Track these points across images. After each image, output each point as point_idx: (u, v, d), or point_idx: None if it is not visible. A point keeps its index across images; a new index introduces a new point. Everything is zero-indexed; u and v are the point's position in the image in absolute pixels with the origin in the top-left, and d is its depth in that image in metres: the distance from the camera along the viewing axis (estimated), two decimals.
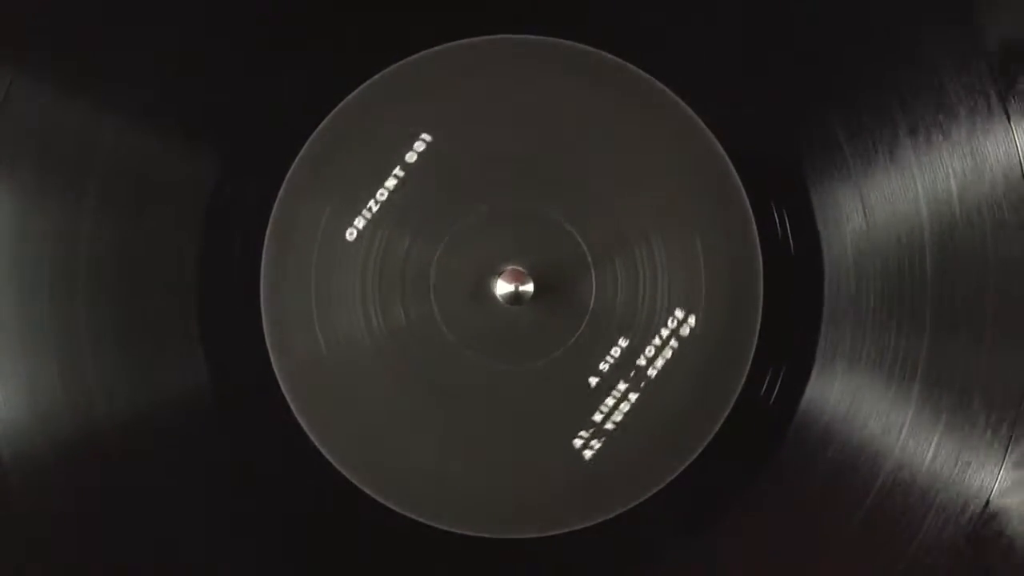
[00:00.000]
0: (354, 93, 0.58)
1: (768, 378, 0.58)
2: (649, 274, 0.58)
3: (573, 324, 0.58)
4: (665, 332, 0.58)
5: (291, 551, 0.59)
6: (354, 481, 0.58)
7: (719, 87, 0.59)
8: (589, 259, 0.58)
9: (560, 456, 0.58)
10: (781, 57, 0.59)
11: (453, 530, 0.58)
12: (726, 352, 0.58)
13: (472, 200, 0.58)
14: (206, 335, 0.57)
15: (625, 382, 0.58)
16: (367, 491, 0.58)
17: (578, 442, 0.58)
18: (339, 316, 0.58)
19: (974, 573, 0.58)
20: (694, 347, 0.58)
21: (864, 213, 0.58)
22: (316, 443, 0.58)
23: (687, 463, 0.58)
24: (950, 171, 0.57)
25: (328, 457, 0.58)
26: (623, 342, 0.58)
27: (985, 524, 0.58)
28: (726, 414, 0.58)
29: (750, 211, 0.58)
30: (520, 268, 0.57)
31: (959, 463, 0.58)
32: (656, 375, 0.58)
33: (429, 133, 0.58)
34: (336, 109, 0.58)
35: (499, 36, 0.59)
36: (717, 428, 0.58)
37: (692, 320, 0.58)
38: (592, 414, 0.58)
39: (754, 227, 0.58)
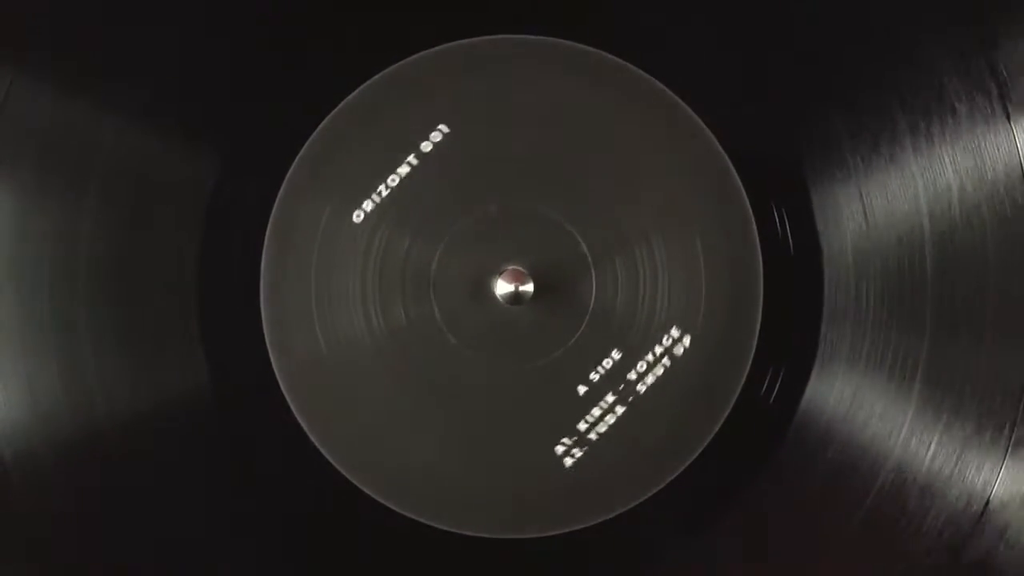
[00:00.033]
0: (354, 93, 0.58)
1: (768, 378, 0.58)
2: (649, 274, 0.58)
3: (573, 324, 0.58)
4: (659, 349, 0.58)
5: (291, 551, 0.59)
6: (354, 481, 0.58)
7: (719, 87, 0.59)
8: (589, 259, 0.58)
9: (542, 460, 0.58)
10: (781, 57, 0.59)
11: (453, 530, 0.58)
12: (726, 352, 0.58)
13: (472, 200, 0.58)
14: (206, 335, 0.57)
15: (614, 394, 0.58)
16: (367, 491, 0.58)
17: (560, 448, 0.58)
18: (339, 316, 0.58)
19: (974, 573, 0.58)
20: (686, 367, 0.58)
21: (864, 213, 0.58)
22: (316, 443, 0.58)
23: (687, 463, 0.58)
24: (950, 171, 0.57)
25: (328, 457, 0.58)
26: (616, 354, 0.58)
27: (985, 524, 0.58)
28: (726, 414, 0.58)
29: (750, 211, 0.58)
30: (520, 268, 0.57)
31: (959, 463, 0.58)
32: (645, 391, 0.58)
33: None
34: (336, 109, 0.58)
35: (499, 36, 0.59)
36: (717, 428, 0.58)
37: (687, 340, 0.58)
38: (577, 422, 0.58)
39: (754, 227, 0.58)
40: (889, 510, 0.58)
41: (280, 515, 0.58)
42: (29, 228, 0.57)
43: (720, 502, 0.58)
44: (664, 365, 0.58)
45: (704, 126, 0.59)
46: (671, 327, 0.58)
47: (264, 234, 0.58)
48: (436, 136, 0.58)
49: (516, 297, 0.57)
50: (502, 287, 0.57)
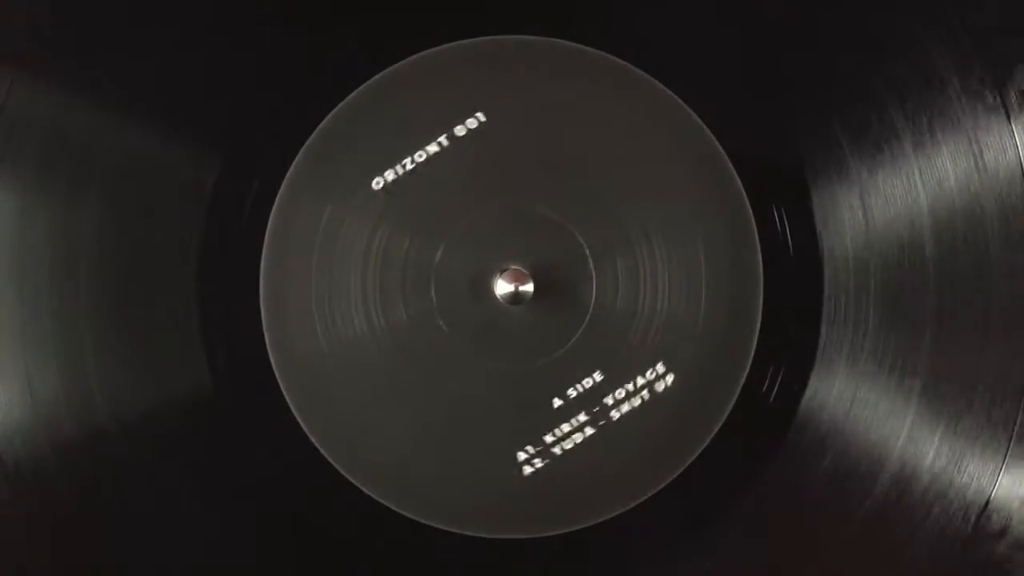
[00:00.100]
0: (354, 93, 0.58)
1: (768, 378, 0.58)
2: (649, 274, 0.58)
3: (573, 324, 0.58)
4: (640, 381, 0.58)
5: (291, 551, 0.59)
6: (354, 481, 0.58)
7: (720, 87, 0.59)
8: (589, 259, 0.58)
9: (501, 465, 0.58)
10: (781, 57, 0.59)
11: (452, 530, 0.58)
12: (726, 352, 0.58)
13: (472, 200, 0.58)
14: (206, 335, 0.57)
15: (586, 415, 0.58)
16: (367, 491, 0.58)
17: (521, 455, 0.58)
18: (339, 316, 0.58)
19: (974, 573, 0.58)
20: (665, 405, 0.58)
21: (864, 213, 0.58)
22: (316, 443, 0.58)
23: (687, 463, 0.58)
24: (950, 170, 0.57)
25: (328, 457, 0.58)
26: (598, 376, 0.58)
27: (985, 524, 0.58)
28: (726, 414, 0.58)
29: (750, 211, 0.58)
30: (520, 268, 0.57)
31: (959, 463, 0.58)
32: (618, 419, 0.58)
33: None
34: (336, 109, 0.58)
35: (499, 36, 0.59)
36: (717, 428, 0.58)
37: (670, 379, 0.58)
38: (545, 434, 0.58)
39: (754, 227, 0.58)
40: (889, 510, 0.58)
41: (280, 515, 0.58)
42: (30, 228, 0.57)
43: (720, 502, 0.58)
44: (643, 397, 0.58)
45: (704, 126, 0.59)
46: (658, 362, 0.58)
47: (264, 234, 0.58)
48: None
49: (516, 297, 0.57)
50: (502, 287, 0.57)
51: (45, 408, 0.57)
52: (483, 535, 0.58)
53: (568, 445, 0.58)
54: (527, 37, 0.59)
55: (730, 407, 0.58)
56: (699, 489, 0.58)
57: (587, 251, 0.58)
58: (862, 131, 0.58)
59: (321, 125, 0.58)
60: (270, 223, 0.58)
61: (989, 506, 0.58)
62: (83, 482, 0.57)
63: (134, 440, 0.57)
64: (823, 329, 0.58)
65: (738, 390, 0.58)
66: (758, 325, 0.58)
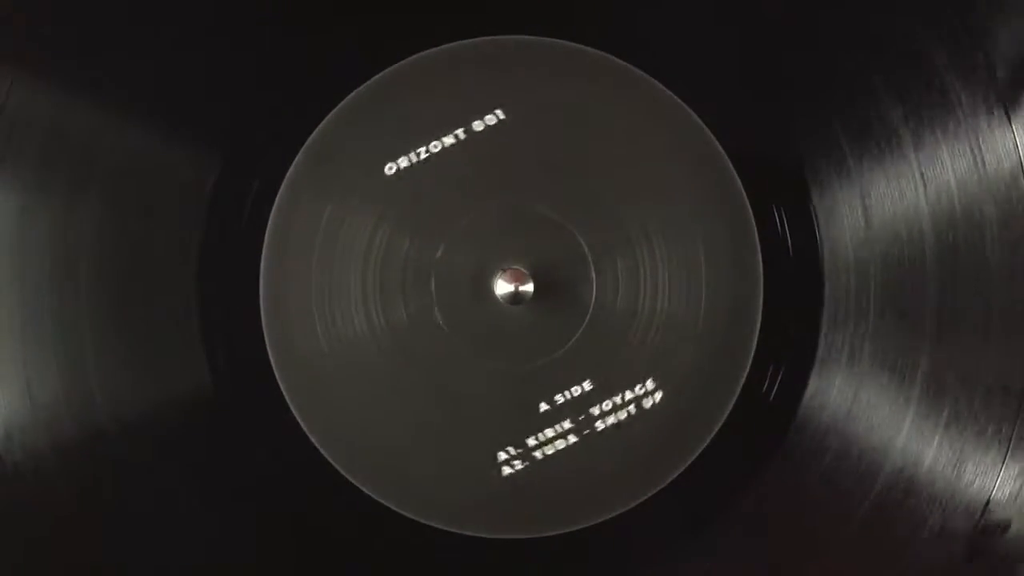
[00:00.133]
0: (353, 93, 0.58)
1: (768, 378, 0.58)
2: (649, 274, 0.58)
3: (573, 324, 0.58)
4: (629, 395, 0.58)
5: (291, 551, 0.59)
6: (354, 481, 0.58)
7: (719, 88, 0.59)
8: (589, 259, 0.58)
9: (482, 464, 0.58)
10: (781, 57, 0.59)
11: (452, 530, 0.58)
12: (726, 352, 0.58)
13: (473, 200, 0.58)
14: (206, 335, 0.57)
15: (571, 422, 0.58)
16: (367, 491, 0.58)
17: (502, 455, 0.58)
18: (339, 316, 0.58)
19: (974, 573, 0.58)
20: (652, 421, 0.58)
21: (864, 213, 0.58)
22: (316, 443, 0.58)
23: (687, 463, 0.58)
24: (950, 170, 0.57)
25: (328, 457, 0.58)
26: (587, 385, 0.58)
27: (985, 524, 0.58)
28: (726, 414, 0.58)
29: (750, 211, 0.58)
30: (520, 268, 0.57)
31: (959, 463, 0.58)
32: (602, 430, 0.58)
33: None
34: (336, 109, 0.58)
35: (500, 37, 0.59)
36: (717, 428, 0.58)
37: (658, 396, 0.58)
38: (528, 436, 0.58)
39: (754, 227, 0.58)
40: (889, 510, 0.58)
41: (280, 515, 0.58)
42: (30, 228, 0.57)
43: (720, 502, 0.58)
44: (629, 412, 0.58)
45: (704, 126, 0.59)
46: (647, 378, 0.58)
47: (264, 234, 0.58)
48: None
49: (516, 297, 0.57)
50: (502, 287, 0.57)
51: (45, 408, 0.57)
52: (483, 535, 0.58)
53: (550, 450, 0.58)
54: (527, 37, 0.59)
55: (730, 407, 0.58)
56: (699, 489, 0.58)
57: (587, 251, 0.58)
58: (862, 131, 0.58)
59: (321, 125, 0.58)
60: (270, 223, 0.58)
61: (989, 506, 0.58)
62: (83, 482, 0.57)
63: (134, 440, 0.57)
64: (823, 329, 0.58)
65: (738, 390, 0.58)
66: (758, 325, 0.58)
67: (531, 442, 0.58)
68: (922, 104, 0.57)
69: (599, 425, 0.58)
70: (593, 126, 0.58)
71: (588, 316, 0.58)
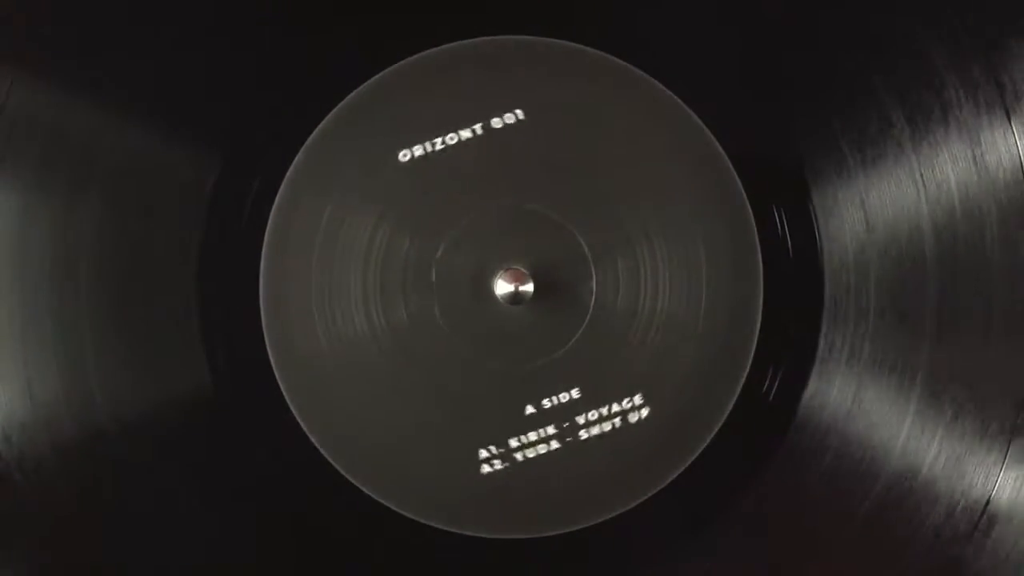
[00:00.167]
0: (353, 93, 0.58)
1: (768, 378, 0.58)
2: (650, 274, 0.58)
3: (573, 324, 0.58)
4: (616, 407, 0.58)
5: (291, 551, 0.59)
6: (354, 481, 0.58)
7: (720, 88, 0.59)
8: (589, 259, 0.58)
9: (462, 461, 0.58)
10: (781, 57, 0.59)
11: (452, 530, 0.58)
12: (726, 352, 0.58)
13: (473, 200, 0.58)
14: (206, 335, 0.57)
15: (555, 428, 0.58)
16: (367, 491, 0.58)
17: (484, 453, 0.58)
18: (339, 316, 0.58)
19: (974, 573, 0.58)
20: (635, 436, 0.58)
21: (864, 213, 0.58)
22: (316, 443, 0.58)
23: (687, 463, 0.58)
24: (950, 171, 0.57)
25: (328, 457, 0.58)
26: (575, 393, 0.58)
27: (985, 524, 0.58)
28: (726, 414, 0.58)
29: (750, 211, 0.58)
30: (520, 268, 0.57)
31: (959, 463, 0.58)
32: (585, 439, 0.58)
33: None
34: (336, 109, 0.58)
35: (500, 36, 0.59)
36: (717, 428, 0.58)
37: (644, 412, 0.58)
38: (510, 437, 0.58)
39: (754, 227, 0.58)
40: (889, 510, 0.58)
41: (280, 515, 0.58)
42: (30, 228, 0.57)
43: (720, 502, 0.58)
44: (613, 424, 0.58)
45: (704, 126, 0.59)
46: (636, 392, 0.58)
47: (264, 233, 0.58)
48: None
49: (516, 297, 0.57)
50: (502, 287, 0.57)
51: (45, 408, 0.57)
52: (483, 535, 0.58)
53: (531, 454, 0.58)
54: (527, 37, 0.59)
55: (730, 407, 0.58)
56: (699, 489, 0.58)
57: (587, 251, 0.58)
58: (862, 131, 0.58)
59: (321, 125, 0.58)
60: (270, 223, 0.58)
61: (989, 506, 0.58)
62: (83, 482, 0.57)
63: (134, 440, 0.57)
64: (823, 329, 0.58)
65: (738, 390, 0.58)
66: (758, 325, 0.58)
67: (513, 443, 0.58)
68: (922, 104, 0.57)
69: (583, 434, 0.58)
70: (593, 126, 0.58)
71: (588, 316, 0.58)
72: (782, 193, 0.59)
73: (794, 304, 0.58)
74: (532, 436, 0.58)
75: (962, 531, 0.58)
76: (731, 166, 0.58)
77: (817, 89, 0.58)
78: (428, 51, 0.59)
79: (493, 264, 0.58)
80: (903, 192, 0.58)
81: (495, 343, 0.58)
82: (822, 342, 0.58)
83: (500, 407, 0.58)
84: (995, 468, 0.58)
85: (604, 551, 0.59)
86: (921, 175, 0.58)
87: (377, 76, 0.58)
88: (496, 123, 0.58)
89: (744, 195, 0.58)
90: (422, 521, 0.58)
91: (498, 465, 0.58)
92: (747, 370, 0.58)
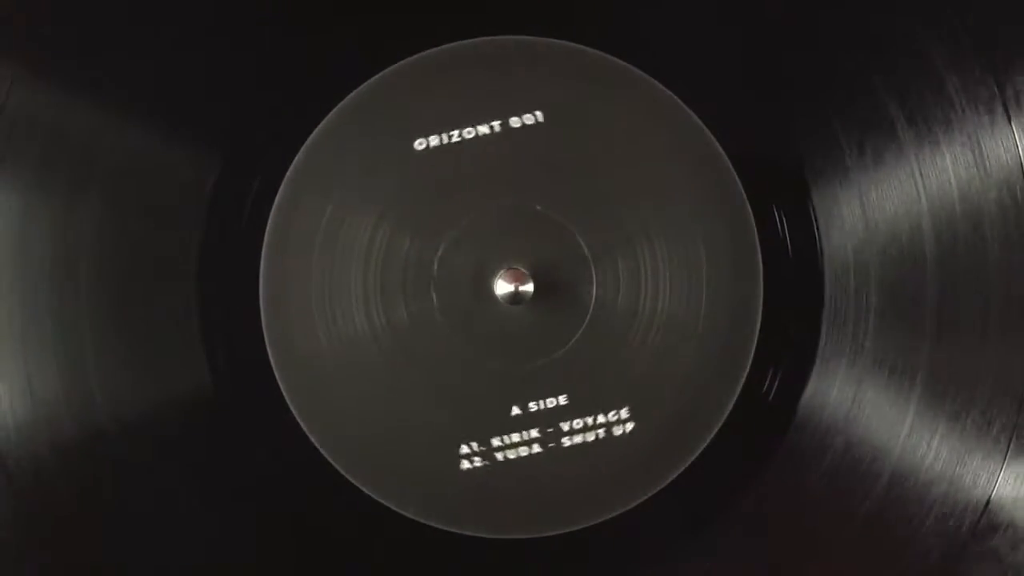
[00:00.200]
0: (353, 93, 0.58)
1: (768, 378, 0.58)
2: (650, 274, 0.58)
3: (573, 324, 0.58)
4: (601, 419, 0.58)
5: (291, 551, 0.59)
6: (354, 481, 0.58)
7: (719, 87, 0.59)
8: (589, 259, 0.58)
9: (441, 457, 0.58)
10: (781, 57, 0.59)
11: (452, 530, 0.58)
12: (726, 352, 0.58)
13: (473, 200, 0.58)
14: (206, 335, 0.57)
15: (539, 432, 0.58)
16: (367, 491, 0.58)
17: (464, 449, 0.58)
18: (340, 316, 0.58)
19: (975, 573, 0.58)
20: (618, 449, 0.58)
21: (864, 213, 0.58)
22: (316, 443, 0.58)
23: (687, 463, 0.58)
24: (950, 171, 0.57)
25: (328, 457, 0.58)
26: (563, 399, 0.58)
27: (985, 524, 0.58)
28: (726, 414, 0.58)
29: (750, 211, 0.58)
30: (520, 268, 0.57)
31: (960, 463, 0.58)
32: (568, 447, 0.58)
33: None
34: (336, 108, 0.58)
35: (500, 37, 0.59)
36: (717, 428, 0.58)
37: (629, 426, 0.58)
38: (492, 436, 0.58)
39: (754, 227, 0.58)
40: (889, 510, 0.58)
41: (280, 515, 0.58)
42: (30, 228, 0.57)
43: (720, 502, 0.58)
44: (597, 435, 0.58)
45: (704, 126, 0.59)
46: (624, 406, 0.58)
47: (264, 233, 0.58)
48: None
49: (516, 297, 0.57)
50: (502, 287, 0.57)
51: (45, 408, 0.57)
52: (483, 535, 0.58)
53: (512, 455, 0.58)
54: (527, 37, 0.59)
55: (730, 407, 0.58)
56: (699, 489, 0.58)
57: (587, 251, 0.58)
58: (862, 131, 0.58)
59: (321, 125, 0.58)
60: (270, 223, 0.58)
61: (989, 506, 0.58)
62: (83, 482, 0.57)
63: (134, 440, 0.57)
64: (823, 329, 0.58)
65: (738, 390, 0.58)
66: (758, 325, 0.58)
67: (495, 443, 0.58)
68: (922, 104, 0.57)
69: (565, 441, 0.58)
70: (593, 126, 0.58)
71: (588, 316, 0.58)
72: (782, 193, 0.59)
73: (794, 304, 0.58)
74: (515, 437, 0.58)
75: (962, 531, 0.58)
76: (731, 166, 0.58)
77: (817, 89, 0.58)
78: (428, 51, 0.59)
79: (493, 264, 0.58)
80: (903, 192, 0.58)
81: (495, 343, 0.58)
82: (822, 342, 0.58)
83: (493, 405, 0.58)
84: (995, 468, 0.58)
85: (604, 551, 0.59)
86: (921, 175, 0.58)
87: (377, 76, 0.58)
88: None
89: (744, 195, 0.58)
90: (422, 521, 0.58)
91: (478, 463, 0.58)
92: (747, 370, 0.58)
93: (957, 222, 0.57)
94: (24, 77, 0.57)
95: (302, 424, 0.58)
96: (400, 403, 0.58)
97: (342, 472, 0.58)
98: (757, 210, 0.58)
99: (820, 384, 0.58)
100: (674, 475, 0.58)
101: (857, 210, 0.58)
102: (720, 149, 0.59)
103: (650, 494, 0.58)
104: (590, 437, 0.58)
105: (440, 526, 0.58)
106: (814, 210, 0.58)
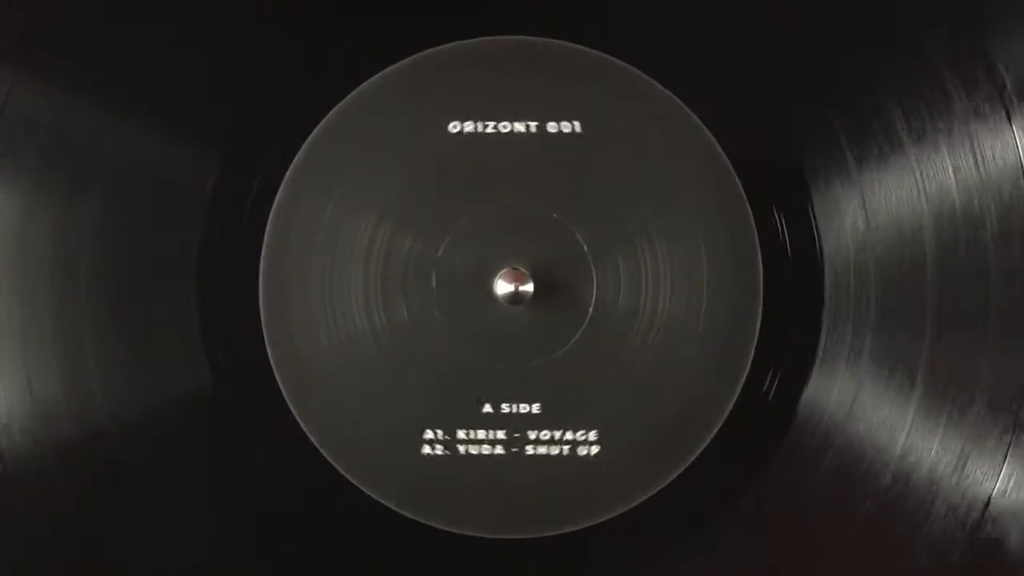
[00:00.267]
0: (354, 93, 0.58)
1: (768, 378, 0.58)
2: (651, 274, 0.58)
3: (573, 324, 0.58)
4: (568, 435, 0.58)
5: (291, 551, 0.59)
6: (354, 481, 0.58)
7: (719, 87, 0.59)
8: (590, 259, 0.58)
9: (405, 439, 0.58)
10: (781, 58, 0.59)
11: (452, 530, 0.58)
12: (725, 353, 0.58)
13: (473, 200, 0.58)
14: (206, 335, 0.57)
15: (504, 435, 0.58)
16: (367, 491, 0.58)
17: (429, 434, 0.58)
18: (340, 316, 0.58)
19: (975, 573, 0.58)
20: (579, 469, 0.58)
21: (864, 213, 0.58)
22: (316, 443, 0.58)
23: (687, 463, 0.58)
24: (950, 171, 0.57)
25: (328, 457, 0.58)
26: (536, 408, 0.58)
27: (986, 524, 0.58)
28: (726, 414, 0.58)
29: (750, 211, 0.58)
30: (520, 268, 0.57)
31: (960, 463, 0.57)
32: (529, 455, 0.58)
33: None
34: (335, 109, 0.58)
35: (499, 36, 0.59)
36: (717, 428, 0.58)
37: (594, 449, 0.58)
38: (459, 428, 0.58)
39: (754, 227, 0.58)
40: (889, 510, 0.58)
41: (280, 515, 0.58)
42: (30, 228, 0.57)
43: (720, 502, 0.58)
44: (561, 450, 0.58)
45: (704, 126, 0.59)
46: (593, 428, 0.58)
47: (264, 234, 0.58)
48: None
49: (516, 297, 0.57)
50: (502, 287, 0.57)
51: (45, 408, 0.57)
52: (483, 535, 0.58)
53: (474, 450, 0.58)
54: (527, 37, 0.59)
55: (730, 407, 0.58)
56: (699, 489, 0.58)
57: (587, 251, 0.58)
58: (862, 131, 0.58)
59: (321, 125, 0.58)
60: (270, 223, 0.58)
61: (989, 506, 0.58)
62: (83, 482, 0.57)
63: (134, 440, 0.57)
64: (823, 329, 0.58)
65: (738, 390, 0.58)
66: (758, 325, 0.58)
67: (460, 434, 0.58)
68: (922, 104, 0.57)
69: (528, 449, 0.58)
70: (593, 127, 0.58)
71: (588, 316, 0.58)
72: (782, 193, 0.59)
73: (794, 304, 0.58)
74: (480, 434, 0.58)
75: (963, 531, 0.58)
76: (731, 166, 0.58)
77: (817, 89, 0.58)
78: (428, 51, 0.59)
79: (493, 264, 0.58)
80: (903, 192, 0.58)
81: (495, 343, 0.58)
82: (822, 342, 0.58)
83: (463, 396, 0.58)
84: (995, 468, 0.58)
85: (604, 551, 0.59)
86: (921, 175, 0.58)
87: (377, 76, 0.58)
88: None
89: (744, 195, 0.58)
90: (422, 521, 0.58)
91: (439, 450, 0.58)
92: (747, 370, 0.58)
93: (957, 222, 0.57)
94: (24, 77, 0.57)
95: (302, 424, 0.58)
96: (400, 403, 0.58)
97: (342, 472, 0.58)
98: (757, 210, 0.58)
99: (820, 384, 0.58)
100: (674, 475, 0.58)
101: (857, 210, 0.58)
102: (720, 149, 0.58)
103: (650, 494, 0.58)
104: (554, 451, 0.58)
105: (440, 526, 0.58)
106: (814, 210, 0.58)
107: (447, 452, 0.58)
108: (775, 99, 0.59)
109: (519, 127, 0.58)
